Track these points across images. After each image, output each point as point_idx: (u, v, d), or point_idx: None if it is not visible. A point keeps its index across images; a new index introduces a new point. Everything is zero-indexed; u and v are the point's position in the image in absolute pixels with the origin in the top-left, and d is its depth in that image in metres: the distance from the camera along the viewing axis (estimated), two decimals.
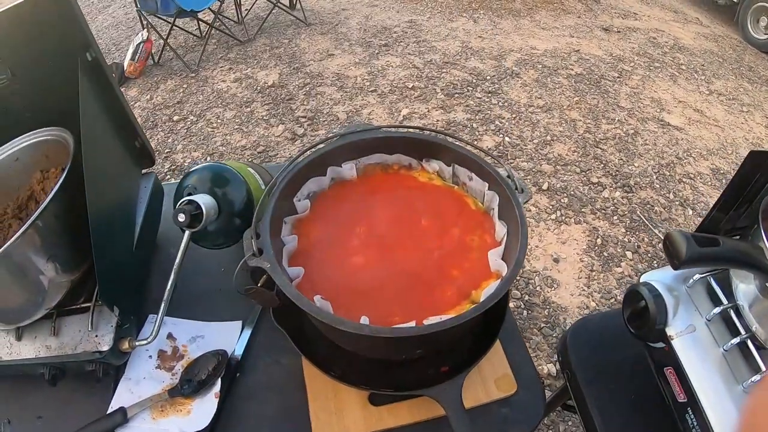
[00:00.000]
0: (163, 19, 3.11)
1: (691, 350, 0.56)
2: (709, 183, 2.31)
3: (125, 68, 2.94)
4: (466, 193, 0.64)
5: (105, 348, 0.57)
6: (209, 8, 3.10)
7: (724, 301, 0.58)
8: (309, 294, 0.50)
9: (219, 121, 2.61)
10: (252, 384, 0.63)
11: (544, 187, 2.19)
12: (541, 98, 2.77)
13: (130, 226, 0.70)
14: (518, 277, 1.75)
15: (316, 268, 0.56)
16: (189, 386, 0.60)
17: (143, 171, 0.79)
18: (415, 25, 3.58)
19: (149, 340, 0.59)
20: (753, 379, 0.53)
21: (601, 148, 2.43)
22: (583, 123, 2.60)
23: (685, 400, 0.56)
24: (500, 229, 0.58)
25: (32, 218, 0.50)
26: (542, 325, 1.68)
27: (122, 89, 1.45)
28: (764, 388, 0.44)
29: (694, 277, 0.61)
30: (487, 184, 0.61)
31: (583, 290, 1.79)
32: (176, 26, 3.15)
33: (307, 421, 0.58)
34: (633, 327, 0.62)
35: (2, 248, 0.49)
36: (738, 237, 0.64)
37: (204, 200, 0.59)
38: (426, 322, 0.49)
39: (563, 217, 2.06)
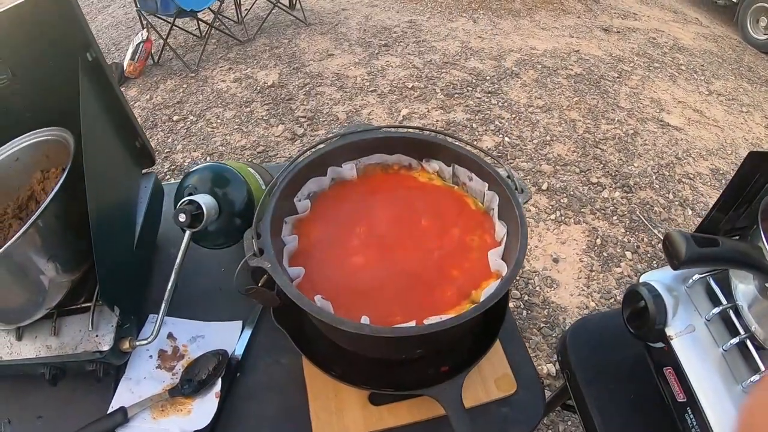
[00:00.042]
0: (163, 19, 3.11)
1: (691, 350, 0.56)
2: (709, 183, 2.31)
3: (125, 68, 2.94)
4: (466, 194, 0.65)
5: (105, 348, 0.57)
6: (209, 8, 3.10)
7: (724, 301, 0.58)
8: (309, 294, 0.50)
9: (219, 121, 2.61)
10: (252, 384, 0.63)
11: (544, 187, 2.19)
12: (541, 98, 2.77)
13: (131, 226, 0.70)
14: (518, 277, 1.75)
15: (317, 268, 0.56)
16: (189, 386, 0.60)
17: (143, 171, 0.79)
18: (415, 25, 3.58)
19: (150, 339, 0.59)
20: (752, 379, 0.53)
21: (600, 149, 2.43)
22: (583, 123, 2.60)
23: (685, 400, 0.56)
24: (500, 229, 0.58)
25: (33, 218, 0.50)
26: (542, 325, 1.68)
27: (122, 89, 1.45)
28: (763, 388, 0.44)
29: (694, 278, 0.61)
30: (487, 184, 0.61)
31: (583, 290, 1.79)
32: (176, 26, 3.15)
33: (307, 420, 0.58)
34: (632, 327, 0.62)
35: (3, 248, 0.49)
36: (737, 237, 0.65)
37: (205, 200, 0.59)
38: (426, 321, 0.49)
39: (563, 217, 2.06)
